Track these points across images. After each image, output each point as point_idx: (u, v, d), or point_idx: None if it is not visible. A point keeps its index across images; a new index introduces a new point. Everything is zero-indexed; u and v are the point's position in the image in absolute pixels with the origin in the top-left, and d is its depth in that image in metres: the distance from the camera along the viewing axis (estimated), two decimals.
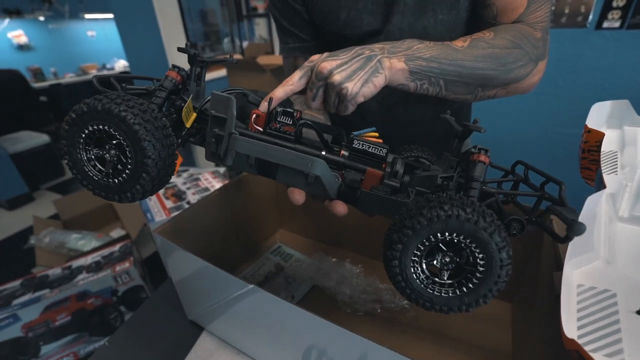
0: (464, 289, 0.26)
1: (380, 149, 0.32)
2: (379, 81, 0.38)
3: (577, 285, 0.29)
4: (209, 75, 2.46)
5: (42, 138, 2.77)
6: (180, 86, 0.34)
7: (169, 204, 1.16)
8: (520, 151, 1.49)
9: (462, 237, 0.25)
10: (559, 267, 0.36)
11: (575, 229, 0.25)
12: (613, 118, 0.46)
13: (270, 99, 0.34)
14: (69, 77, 4.03)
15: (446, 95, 0.45)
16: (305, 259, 0.66)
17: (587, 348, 0.23)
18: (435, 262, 0.27)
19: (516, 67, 0.45)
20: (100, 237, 1.66)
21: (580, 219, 0.31)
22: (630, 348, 0.23)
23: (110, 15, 2.08)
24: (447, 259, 0.26)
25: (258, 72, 1.76)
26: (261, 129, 0.33)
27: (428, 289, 0.27)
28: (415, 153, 0.38)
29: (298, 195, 0.34)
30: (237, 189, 0.62)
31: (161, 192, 1.25)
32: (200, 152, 2.29)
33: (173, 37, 1.95)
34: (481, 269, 0.25)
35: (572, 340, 0.23)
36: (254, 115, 0.33)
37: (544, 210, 0.30)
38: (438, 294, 0.27)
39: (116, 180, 0.30)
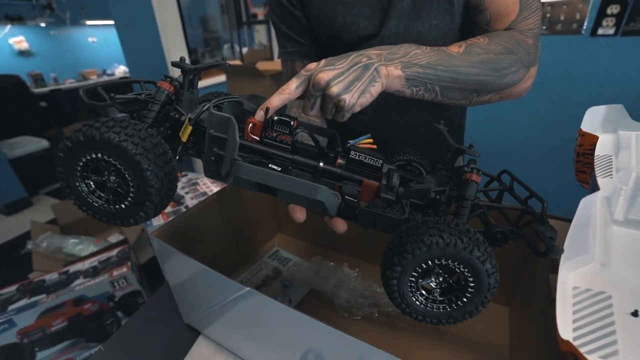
0: (454, 306, 0.29)
1: (376, 160, 0.33)
2: (376, 90, 0.39)
3: (573, 287, 0.29)
4: (209, 81, 2.47)
5: (42, 143, 2.77)
6: (173, 96, 0.33)
7: (167, 208, 1.16)
8: (516, 156, 1.50)
9: (456, 263, 0.27)
10: (555, 269, 0.36)
11: (554, 250, 0.28)
12: (608, 122, 0.46)
13: (267, 108, 0.33)
14: (69, 83, 4.04)
15: (441, 100, 0.45)
16: (303, 263, 0.65)
17: (582, 350, 0.23)
18: (430, 281, 0.29)
19: (510, 72, 0.46)
20: (98, 242, 1.65)
21: (575, 221, 0.31)
22: (625, 350, 0.23)
23: (111, 22, 2.10)
24: (441, 279, 0.29)
25: (257, 77, 1.78)
26: (257, 138, 0.33)
27: (422, 305, 0.29)
28: (408, 157, 0.39)
29: (299, 214, 0.35)
30: (235, 193, 0.62)
31: None
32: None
33: (173, 43, 1.96)
34: (471, 290, 0.28)
35: (568, 342, 0.23)
36: (250, 125, 0.33)
37: (526, 223, 0.32)
38: (430, 309, 0.29)
39: (118, 207, 0.29)
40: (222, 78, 2.43)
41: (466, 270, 0.27)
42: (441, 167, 0.34)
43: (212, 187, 1.29)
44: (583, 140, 0.39)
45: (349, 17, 0.54)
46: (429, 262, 0.27)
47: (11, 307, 1.06)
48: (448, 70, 0.42)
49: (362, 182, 0.33)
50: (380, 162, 0.33)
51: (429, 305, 0.29)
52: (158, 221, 1.08)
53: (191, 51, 3.60)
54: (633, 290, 0.28)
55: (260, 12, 3.20)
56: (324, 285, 0.58)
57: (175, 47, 1.96)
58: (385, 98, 0.45)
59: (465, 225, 0.27)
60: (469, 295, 0.28)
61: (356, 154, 0.33)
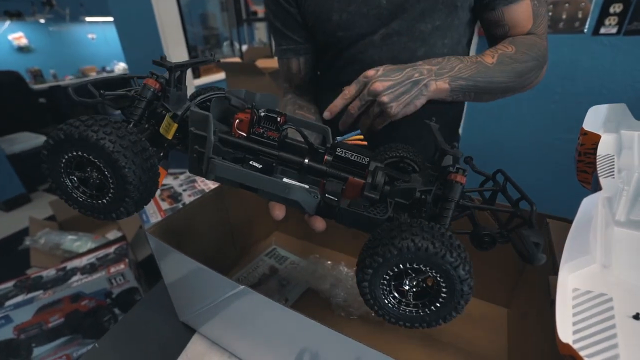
0: (427, 310, 0.28)
1: (363, 157, 0.32)
2: (421, 102, 0.45)
3: (573, 289, 0.29)
4: (209, 79, 2.46)
5: (40, 139, 2.77)
6: (160, 93, 0.33)
7: (164, 205, 1.15)
8: (517, 155, 1.49)
9: (428, 268, 0.26)
10: (555, 270, 0.35)
11: (535, 258, 0.27)
12: (610, 121, 0.46)
13: (253, 106, 0.34)
14: (69, 79, 4.03)
15: (471, 101, 0.51)
16: (300, 262, 0.65)
17: (582, 353, 0.22)
18: (402, 284, 0.28)
19: (531, 76, 0.53)
20: (97, 238, 1.65)
21: (576, 221, 0.31)
22: (626, 353, 0.22)
23: (111, 19, 2.09)
24: (414, 283, 0.28)
25: (257, 75, 1.77)
26: (245, 134, 0.33)
27: (394, 307, 0.29)
28: (401, 153, 0.38)
29: (278, 211, 0.35)
30: (232, 190, 0.61)
31: (157, 193, 1.25)
32: None
33: (172, 40, 1.95)
34: (444, 295, 0.27)
35: (567, 345, 0.23)
36: (237, 120, 0.33)
37: (516, 226, 0.31)
38: (403, 312, 0.29)
39: (100, 202, 0.30)
40: (221, 75, 2.42)
41: (438, 275, 0.26)
42: (428, 166, 0.33)
43: (209, 185, 1.28)
44: (585, 140, 0.39)
45: (345, 14, 0.54)
46: (401, 265, 0.26)
47: (8, 303, 1.05)
48: (485, 81, 0.49)
49: (347, 179, 0.32)
50: (367, 159, 0.32)
51: (401, 308, 0.29)
52: (156, 218, 1.08)
53: (191, 48, 3.59)
54: (634, 293, 0.27)
55: (260, 10, 3.19)
56: (321, 284, 0.57)
57: (174, 44, 1.95)
58: None
59: (441, 229, 0.26)
60: (442, 300, 0.27)
61: (342, 151, 0.32)
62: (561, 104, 1.30)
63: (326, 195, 0.31)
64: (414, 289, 0.28)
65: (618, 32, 1.10)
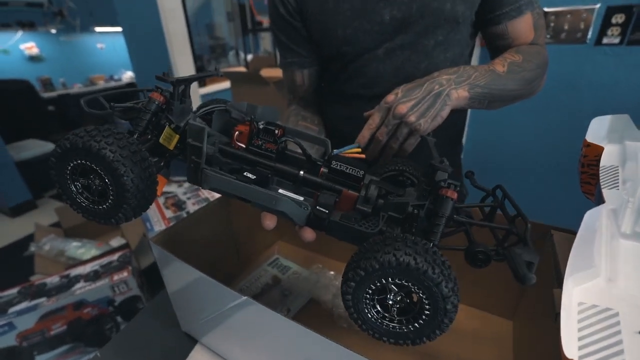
0: (410, 327, 0.28)
1: (358, 170, 0.32)
2: (446, 112, 0.45)
3: (578, 303, 0.28)
4: (214, 87, 2.49)
5: (48, 146, 2.81)
6: (164, 106, 0.35)
7: (168, 213, 1.16)
8: (522, 165, 1.48)
9: (410, 284, 0.26)
10: (560, 283, 0.35)
11: (526, 278, 0.26)
12: (613, 132, 0.46)
13: (252, 118, 0.35)
14: (77, 88, 4.10)
15: (484, 108, 0.53)
16: (303, 272, 0.65)
17: None
18: (386, 299, 0.28)
19: (537, 83, 0.56)
20: (100, 245, 1.66)
21: (579, 234, 0.31)
22: None
23: (119, 29, 2.14)
24: (398, 298, 0.27)
25: (261, 84, 1.79)
26: (244, 146, 0.34)
27: (378, 322, 0.28)
28: (400, 167, 0.38)
29: (269, 221, 0.35)
30: (236, 199, 0.62)
31: (161, 201, 1.25)
32: None
33: (179, 50, 1.99)
34: (427, 312, 0.26)
35: None
36: (237, 132, 0.34)
37: (513, 244, 0.31)
38: (387, 328, 0.28)
39: (101, 207, 0.31)
40: (226, 84, 2.45)
41: (421, 291, 0.26)
42: (423, 180, 0.33)
43: (214, 193, 1.29)
44: (588, 151, 0.39)
45: (349, 30, 0.55)
46: (383, 280, 0.26)
47: (12, 310, 1.06)
48: (498, 89, 0.50)
49: (341, 192, 0.33)
50: (362, 172, 0.32)
51: (385, 323, 0.28)
52: (160, 226, 1.09)
53: (197, 58, 3.65)
54: None
55: (265, 20, 3.24)
56: (324, 294, 0.57)
57: (180, 54, 1.98)
58: None
59: (426, 245, 0.26)
60: (425, 317, 0.27)
61: (337, 163, 0.33)
62: (565, 114, 1.30)
63: (317, 207, 0.32)
64: (398, 305, 0.28)
65: (621, 42, 1.11)
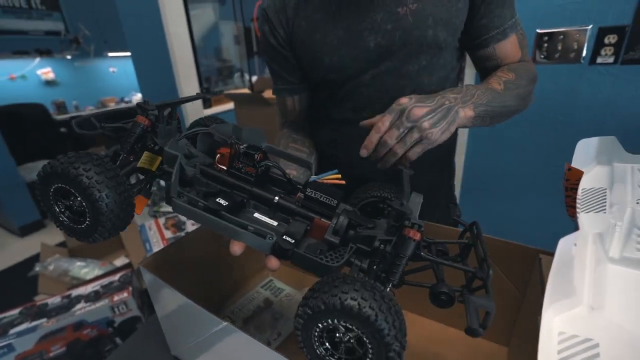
0: None
1: (331, 199, 0.33)
2: (453, 129, 0.46)
3: (558, 332, 0.28)
4: (219, 108, 2.56)
5: None
6: (150, 128, 0.37)
7: (168, 234, 1.17)
8: (518, 185, 1.46)
9: (355, 327, 0.25)
10: None
11: (472, 330, 0.25)
12: (602, 154, 0.46)
13: (233, 142, 0.36)
14: (89, 110, 4.25)
15: (486, 125, 0.53)
16: (296, 294, 0.64)
17: None
18: (335, 338, 0.27)
19: (530, 97, 0.58)
20: (104, 265, 1.66)
21: (555, 261, 0.30)
22: None
23: (129, 53, 2.23)
24: (345, 339, 0.27)
25: (264, 105, 1.83)
26: (225, 168, 0.35)
27: (326, 359, 0.28)
28: (382, 193, 0.38)
29: (236, 247, 0.35)
30: None
31: (161, 222, 1.26)
32: None
33: (185, 73, 2.06)
34: (370, 357, 0.26)
35: None
36: (218, 155, 0.35)
37: (478, 287, 0.30)
38: None
39: (80, 227, 0.33)
40: (230, 105, 2.52)
41: (364, 336, 0.25)
42: (393, 214, 0.33)
43: None
44: (570, 175, 0.39)
45: (336, 57, 0.57)
46: (329, 320, 0.26)
47: (12, 331, 1.06)
48: (499, 106, 0.51)
49: (313, 219, 0.33)
50: (335, 201, 0.32)
51: None
52: (159, 247, 1.09)
53: (205, 79, 3.76)
54: (623, 338, 0.26)
55: None
56: None
57: (186, 77, 2.05)
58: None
59: (376, 289, 0.25)
60: None
61: (312, 191, 0.33)
62: (562, 133, 1.29)
63: (283, 237, 0.31)
64: (345, 345, 0.27)
65: (615, 62, 1.11)
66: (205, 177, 0.35)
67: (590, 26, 1.13)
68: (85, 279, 1.51)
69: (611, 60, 1.10)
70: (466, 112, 0.47)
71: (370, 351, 0.25)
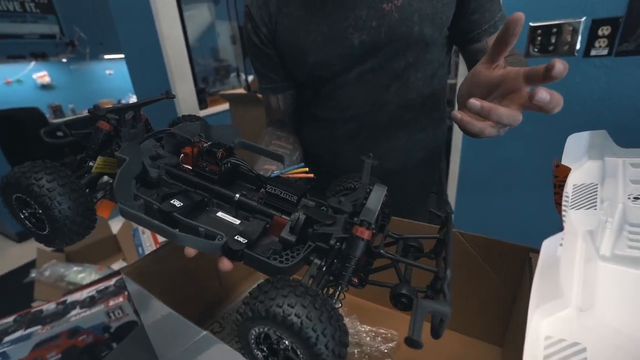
0: None
1: (291, 195, 0.31)
2: None
3: (545, 337, 0.27)
4: (215, 109, 2.55)
5: None
6: (113, 133, 0.37)
7: (161, 238, 1.16)
8: (515, 181, 1.45)
9: (283, 336, 0.23)
10: None
11: (412, 343, 0.22)
12: (593, 148, 0.44)
13: (198, 140, 0.35)
14: (86, 113, 4.24)
15: None
16: None
17: None
18: (273, 345, 0.26)
19: None
20: (101, 269, 1.66)
21: (540, 263, 0.29)
22: None
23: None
24: (282, 347, 0.25)
25: (258, 104, 1.82)
26: (190, 167, 0.35)
27: None
28: (357, 185, 0.37)
29: (190, 250, 0.34)
30: None
31: None
32: None
33: (179, 74, 2.05)
34: None
35: None
36: (182, 155, 0.35)
37: (439, 290, 0.27)
38: None
39: (43, 233, 0.33)
40: (225, 106, 2.51)
41: (294, 344, 0.23)
42: (346, 212, 0.31)
43: None
44: (558, 172, 0.38)
45: (320, 55, 0.56)
46: (259, 328, 0.24)
47: (6, 339, 1.05)
48: None
49: (272, 217, 0.32)
50: (296, 197, 0.31)
51: None
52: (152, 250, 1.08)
53: (202, 79, 3.74)
54: (612, 339, 0.25)
55: None
56: None
57: (180, 78, 2.04)
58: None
59: (316, 297, 0.23)
60: None
61: (272, 187, 0.32)
62: (557, 127, 1.28)
63: (235, 237, 0.30)
64: (284, 353, 0.25)
65: (609, 54, 1.10)
66: (171, 177, 0.35)
67: (584, 18, 1.11)
68: (82, 283, 1.50)
69: (605, 52, 1.09)
70: None
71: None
